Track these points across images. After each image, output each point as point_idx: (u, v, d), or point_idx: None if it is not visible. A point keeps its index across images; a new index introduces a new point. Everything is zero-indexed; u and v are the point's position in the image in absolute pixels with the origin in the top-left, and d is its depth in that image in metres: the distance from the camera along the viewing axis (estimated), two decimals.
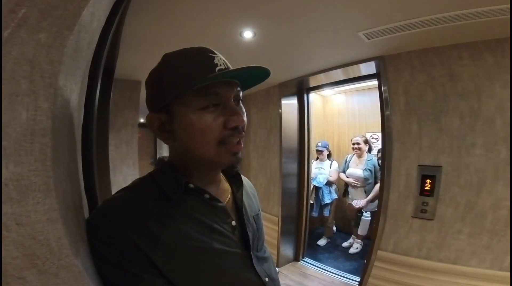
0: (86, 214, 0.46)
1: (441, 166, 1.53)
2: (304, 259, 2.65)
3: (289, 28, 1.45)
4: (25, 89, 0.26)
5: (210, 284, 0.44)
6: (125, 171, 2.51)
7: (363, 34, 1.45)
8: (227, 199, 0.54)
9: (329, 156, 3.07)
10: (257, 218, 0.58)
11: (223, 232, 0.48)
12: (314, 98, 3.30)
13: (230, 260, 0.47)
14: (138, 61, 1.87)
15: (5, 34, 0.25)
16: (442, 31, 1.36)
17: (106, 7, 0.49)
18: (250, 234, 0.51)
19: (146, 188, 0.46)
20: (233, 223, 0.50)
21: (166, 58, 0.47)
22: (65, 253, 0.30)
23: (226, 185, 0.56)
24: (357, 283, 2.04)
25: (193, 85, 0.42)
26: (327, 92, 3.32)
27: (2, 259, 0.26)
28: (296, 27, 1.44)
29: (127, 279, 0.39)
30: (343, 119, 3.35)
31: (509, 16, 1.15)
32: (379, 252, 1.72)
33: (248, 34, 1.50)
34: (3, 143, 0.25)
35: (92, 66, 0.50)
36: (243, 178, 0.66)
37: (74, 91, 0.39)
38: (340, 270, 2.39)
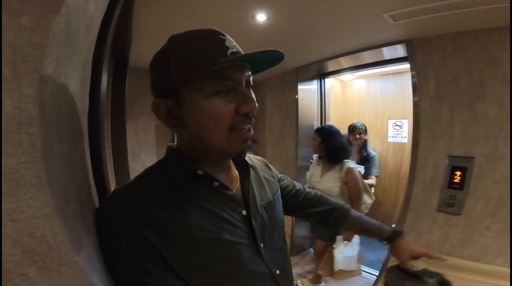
0: (97, 205, 0.45)
1: (473, 157, 1.40)
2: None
3: (306, 10, 1.34)
4: (8, 75, 0.23)
5: (219, 276, 0.43)
6: (143, 158, 2.60)
7: (389, 15, 1.31)
8: (237, 187, 0.52)
9: None
10: (269, 207, 0.54)
11: (232, 221, 0.46)
12: (332, 83, 3.14)
13: (239, 251, 0.45)
14: (152, 49, 1.85)
15: None
16: (481, 13, 1.20)
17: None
18: (257, 226, 0.49)
19: (156, 177, 0.45)
20: (244, 212, 0.49)
21: (173, 39, 0.44)
22: (64, 249, 0.28)
23: (235, 173, 0.54)
24: (375, 276, 2.00)
25: (206, 68, 0.39)
26: (347, 77, 3.14)
27: (2, 256, 0.25)
28: (313, 8, 1.33)
29: (135, 272, 0.38)
30: (364, 105, 3.17)
31: None
32: None
33: (261, 17, 1.41)
34: None
35: (96, 52, 0.47)
36: (258, 160, 0.65)
37: (73, 77, 0.36)
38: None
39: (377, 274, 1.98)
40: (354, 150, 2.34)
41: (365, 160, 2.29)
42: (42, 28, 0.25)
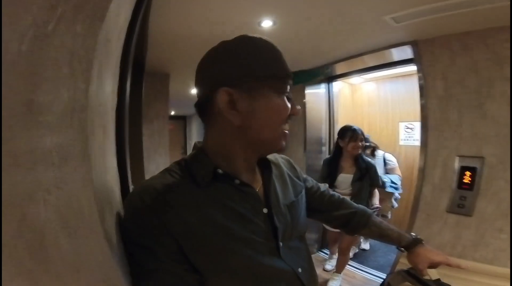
0: (118, 186, 0.52)
1: (483, 157, 1.38)
2: (322, 250, 2.62)
3: (310, 15, 1.40)
4: (66, 73, 0.31)
5: (236, 273, 0.44)
6: (157, 159, 2.70)
7: (391, 18, 1.35)
8: (259, 185, 0.52)
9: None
10: (291, 206, 0.54)
11: (253, 219, 0.47)
12: (341, 86, 3.16)
13: (256, 249, 0.46)
14: (166, 55, 1.98)
15: (49, 27, 0.30)
16: (486, 13, 1.21)
17: (130, 3, 0.54)
18: (280, 225, 0.49)
19: (179, 173, 0.47)
20: (265, 210, 0.49)
21: (244, 38, 0.46)
22: (94, 219, 0.33)
23: (258, 172, 0.55)
24: (382, 279, 1.97)
25: (284, 70, 0.46)
26: (356, 80, 3.16)
27: (42, 222, 0.29)
28: (317, 14, 1.39)
29: (150, 261, 0.41)
30: (374, 108, 3.17)
31: None
32: None
33: (267, 23, 1.48)
34: (48, 118, 0.30)
35: (122, 56, 0.55)
36: (283, 158, 0.65)
37: (107, 77, 0.44)
38: (364, 265, 2.32)
39: (384, 277, 1.95)
40: (347, 162, 1.90)
41: (366, 171, 1.87)
42: (92, 34, 0.32)
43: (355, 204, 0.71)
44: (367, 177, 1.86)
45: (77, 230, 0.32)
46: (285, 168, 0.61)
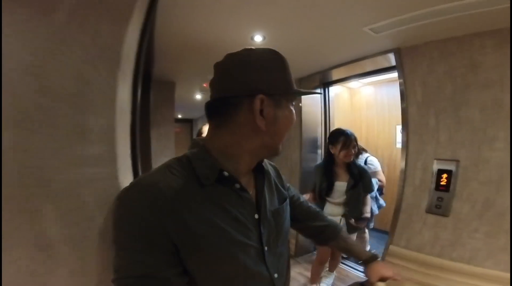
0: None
1: (458, 160, 1.45)
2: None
3: (296, 29, 1.53)
4: (100, 106, 0.48)
5: (225, 274, 0.45)
6: (164, 161, 2.91)
7: (369, 29, 1.45)
8: (252, 190, 0.54)
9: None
10: (276, 213, 0.56)
11: (246, 224, 0.48)
12: (340, 90, 3.24)
13: (248, 253, 0.47)
14: (171, 65, 2.19)
15: (88, 78, 0.47)
16: (462, 19, 1.28)
17: (138, 26, 0.70)
18: (265, 230, 0.51)
19: (181, 170, 0.47)
20: (256, 216, 0.51)
21: (272, 52, 0.51)
22: (107, 208, 0.48)
23: (252, 176, 0.57)
24: None
25: (296, 86, 0.52)
26: (354, 84, 3.23)
27: (85, 202, 0.45)
28: (302, 27, 1.50)
29: (141, 266, 0.40)
30: (372, 112, 3.22)
31: None
32: (391, 246, 1.71)
33: (258, 38, 1.63)
34: (92, 136, 0.45)
35: (134, 67, 0.71)
36: (271, 166, 0.68)
37: (124, 80, 0.59)
38: (357, 264, 2.39)
39: None
40: (340, 169, 1.78)
41: (359, 178, 1.77)
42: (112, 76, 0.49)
43: (327, 217, 0.77)
44: (360, 184, 1.77)
45: (101, 213, 0.46)
46: (273, 175, 0.64)
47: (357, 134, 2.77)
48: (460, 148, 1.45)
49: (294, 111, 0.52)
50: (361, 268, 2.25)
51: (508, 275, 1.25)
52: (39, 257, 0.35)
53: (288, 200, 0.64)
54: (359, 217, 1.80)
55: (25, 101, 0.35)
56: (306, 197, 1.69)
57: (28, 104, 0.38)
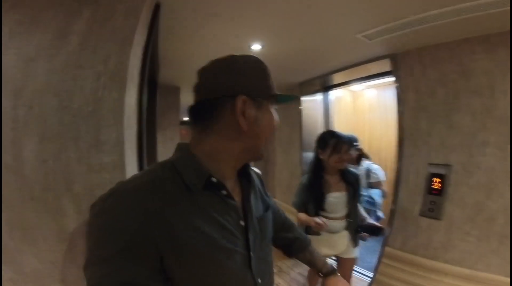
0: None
1: (450, 165, 1.47)
2: None
3: (292, 37, 1.59)
4: (112, 123, 0.58)
5: (210, 280, 0.45)
6: None
7: (362, 36, 1.50)
8: (238, 196, 0.54)
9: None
10: (260, 220, 0.56)
11: (232, 231, 0.48)
12: (342, 93, 3.27)
13: (235, 260, 0.47)
14: (176, 71, 2.31)
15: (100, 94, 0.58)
16: (452, 25, 1.30)
17: (143, 38, 0.80)
18: (251, 236, 0.52)
19: (165, 175, 0.45)
20: (242, 223, 0.51)
21: (252, 57, 0.53)
22: None
23: (237, 183, 0.56)
24: (370, 279, 2.07)
25: (276, 91, 0.53)
26: (357, 86, 3.24)
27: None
28: (298, 35, 1.56)
29: (121, 274, 0.37)
30: (375, 115, 3.23)
31: None
32: (386, 248, 1.74)
33: (256, 47, 1.72)
34: (106, 147, 0.56)
35: (139, 76, 0.81)
36: (255, 173, 0.66)
37: (130, 88, 0.69)
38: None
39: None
40: (333, 177, 1.49)
41: (357, 185, 1.57)
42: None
43: (297, 229, 0.79)
44: (357, 192, 1.54)
45: None
46: (257, 182, 0.64)
47: (359, 137, 2.58)
48: (451, 152, 1.47)
49: (276, 115, 0.53)
50: (360, 269, 2.29)
51: (499, 277, 1.27)
52: (61, 249, 0.44)
53: (270, 208, 0.65)
54: (368, 226, 1.54)
55: (50, 117, 0.45)
56: (297, 223, 1.16)
57: (52, 120, 0.49)
